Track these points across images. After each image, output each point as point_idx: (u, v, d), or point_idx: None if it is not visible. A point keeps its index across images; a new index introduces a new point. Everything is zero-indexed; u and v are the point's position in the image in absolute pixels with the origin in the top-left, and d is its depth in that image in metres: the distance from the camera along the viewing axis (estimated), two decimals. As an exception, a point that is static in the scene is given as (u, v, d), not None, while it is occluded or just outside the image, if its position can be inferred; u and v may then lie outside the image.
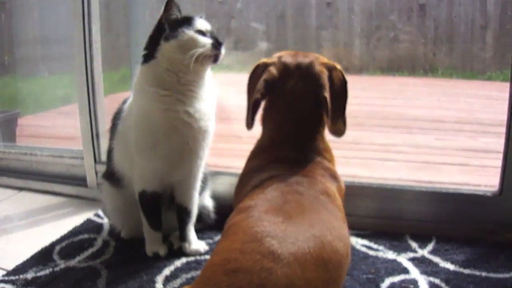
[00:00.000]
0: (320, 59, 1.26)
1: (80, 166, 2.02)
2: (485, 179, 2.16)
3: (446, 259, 1.45)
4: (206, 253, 1.51)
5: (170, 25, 1.35)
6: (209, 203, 1.66)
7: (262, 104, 1.30)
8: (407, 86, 3.78)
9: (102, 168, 1.91)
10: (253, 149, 1.31)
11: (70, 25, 1.91)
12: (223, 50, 1.37)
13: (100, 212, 1.82)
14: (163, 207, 1.52)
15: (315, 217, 1.01)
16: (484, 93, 3.60)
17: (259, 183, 1.14)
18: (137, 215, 1.51)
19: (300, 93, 1.22)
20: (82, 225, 1.73)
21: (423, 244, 1.54)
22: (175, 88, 1.36)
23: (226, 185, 1.78)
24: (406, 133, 3.01)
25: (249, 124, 1.29)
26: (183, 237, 1.52)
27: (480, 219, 1.59)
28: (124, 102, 1.53)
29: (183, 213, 1.51)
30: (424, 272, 1.37)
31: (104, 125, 1.96)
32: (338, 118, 1.22)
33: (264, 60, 1.31)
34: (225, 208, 1.65)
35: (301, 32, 3.62)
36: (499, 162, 2.36)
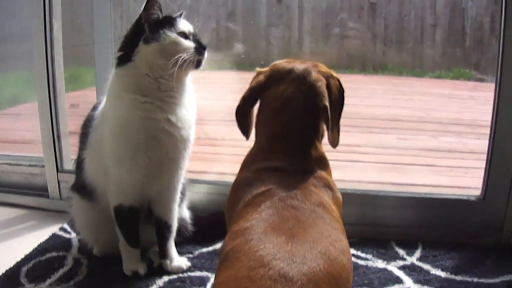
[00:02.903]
0: (318, 67, 1.20)
1: (40, 174, 1.86)
2: (454, 180, 2.20)
3: (436, 266, 1.44)
4: (188, 269, 1.41)
5: (150, 25, 1.24)
6: (186, 215, 1.56)
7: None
8: (359, 83, 3.83)
9: (65, 177, 1.80)
10: (244, 159, 1.23)
11: (21, 21, 1.75)
12: (206, 55, 1.28)
13: (66, 226, 1.67)
14: (140, 221, 1.40)
15: (316, 232, 0.96)
16: (437, 91, 3.69)
17: (250, 200, 1.06)
18: (112, 230, 1.39)
19: (290, 99, 1.16)
20: (48, 241, 1.58)
21: (410, 251, 1.52)
22: (155, 95, 1.26)
23: (202, 194, 1.71)
24: (367, 133, 3.01)
25: (242, 133, 1.22)
26: (164, 254, 1.42)
27: (464, 223, 1.59)
28: (94, 108, 1.41)
29: (163, 228, 1.40)
30: (417, 281, 1.36)
31: (66, 128, 1.81)
32: (334, 127, 1.17)
33: (259, 69, 1.25)
34: (202, 219, 1.57)
35: (252, 29, 3.58)
36: (465, 162, 2.42)
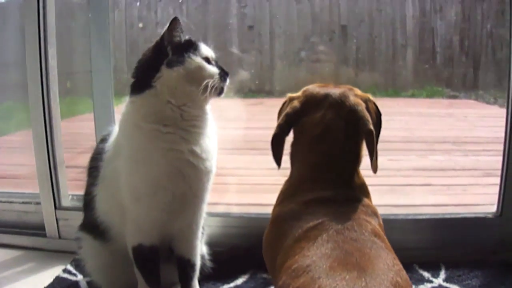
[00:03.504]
0: (354, 90, 1.17)
1: (35, 212, 1.72)
2: (454, 198, 2.21)
3: (464, 286, 1.42)
4: (214, 308, 1.33)
5: (174, 48, 1.17)
6: (205, 251, 1.47)
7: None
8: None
9: (63, 215, 1.68)
10: (282, 190, 1.17)
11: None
12: (228, 81, 1.23)
13: (70, 267, 1.55)
14: (160, 261, 1.31)
15: (382, 264, 0.92)
16: (414, 110, 3.74)
17: (302, 234, 1.00)
18: (128, 271, 1.29)
19: (331, 125, 1.12)
20: (52, 285, 1.45)
21: (435, 272, 1.50)
22: (178, 124, 1.17)
23: (214, 227, 1.62)
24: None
25: (276, 162, 1.16)
26: (187, 294, 1.33)
27: (481, 241, 1.59)
28: (103, 140, 1.31)
29: (187, 266, 1.31)
30: (451, 303, 1.33)
31: (63, 162, 1.69)
32: (375, 152, 1.14)
33: (291, 94, 1.20)
34: (218, 254, 1.49)
35: (223, 55, 3.56)
36: (460, 180, 2.45)
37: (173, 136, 1.17)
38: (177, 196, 1.20)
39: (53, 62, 1.63)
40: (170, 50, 1.17)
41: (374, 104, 1.17)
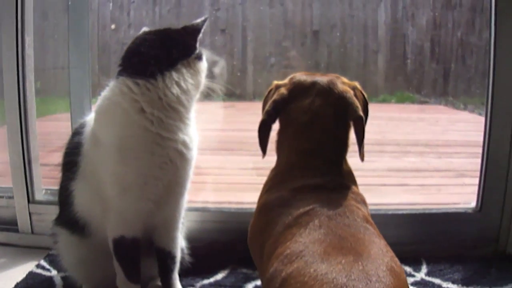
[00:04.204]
0: (341, 78, 1.17)
1: (6, 206, 1.65)
2: (429, 198, 2.24)
3: (446, 280, 1.43)
4: (195, 303, 1.30)
5: (198, 45, 1.19)
6: (183, 245, 1.43)
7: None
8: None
9: (37, 209, 1.62)
10: (269, 179, 1.16)
11: None
12: None
13: (44, 262, 1.49)
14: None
15: (376, 249, 0.91)
16: (385, 114, 3.78)
17: (293, 221, 0.99)
18: (106, 265, 1.24)
19: (319, 112, 1.12)
20: (25, 281, 1.38)
21: (416, 267, 1.51)
22: (181, 114, 1.16)
23: (193, 222, 1.58)
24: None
25: (262, 150, 1.15)
26: (168, 287, 1.29)
27: (462, 236, 1.61)
28: (77, 133, 1.24)
29: (167, 259, 1.28)
30: (434, 297, 1.34)
31: (37, 156, 1.63)
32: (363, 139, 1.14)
33: (277, 82, 1.19)
34: (196, 249, 1.45)
35: None
36: (434, 180, 2.49)
37: (172, 126, 1.14)
38: (165, 185, 1.17)
39: (29, 50, 1.57)
40: (198, 44, 1.18)
41: (361, 92, 1.18)
